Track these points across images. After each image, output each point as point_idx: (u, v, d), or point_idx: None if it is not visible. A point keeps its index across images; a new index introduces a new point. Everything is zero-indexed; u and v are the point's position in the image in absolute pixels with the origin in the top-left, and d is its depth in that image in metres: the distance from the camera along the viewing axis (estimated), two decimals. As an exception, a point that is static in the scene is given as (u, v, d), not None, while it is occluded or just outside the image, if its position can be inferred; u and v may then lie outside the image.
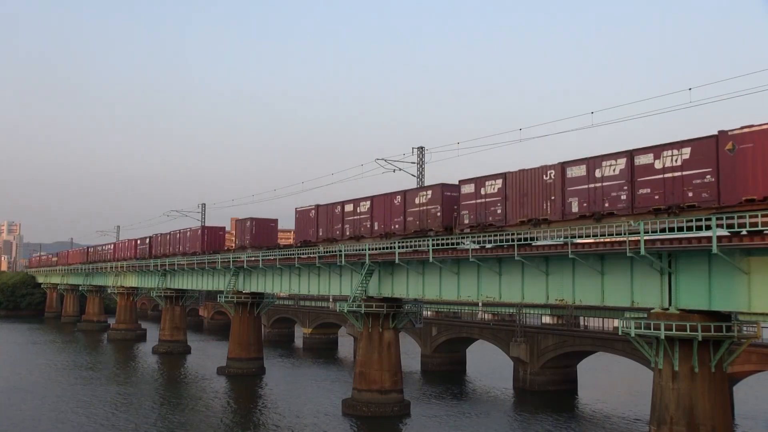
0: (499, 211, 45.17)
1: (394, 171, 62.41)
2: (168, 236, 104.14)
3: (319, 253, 60.99)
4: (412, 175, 61.12)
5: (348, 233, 59.86)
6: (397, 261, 51.53)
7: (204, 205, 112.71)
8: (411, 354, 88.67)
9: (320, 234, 63.74)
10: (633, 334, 36.36)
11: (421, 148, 61.35)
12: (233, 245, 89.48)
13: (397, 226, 54.31)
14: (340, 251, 57.66)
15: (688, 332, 33.96)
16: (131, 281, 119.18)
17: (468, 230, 47.00)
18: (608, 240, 37.80)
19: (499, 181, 45.41)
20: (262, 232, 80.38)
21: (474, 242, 45.71)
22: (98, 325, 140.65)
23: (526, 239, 42.15)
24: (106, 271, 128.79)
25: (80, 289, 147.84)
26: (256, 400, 64.30)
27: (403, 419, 54.98)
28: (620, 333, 38.34)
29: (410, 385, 68.37)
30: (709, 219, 32.20)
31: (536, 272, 42.90)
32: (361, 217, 58.56)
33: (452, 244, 47.39)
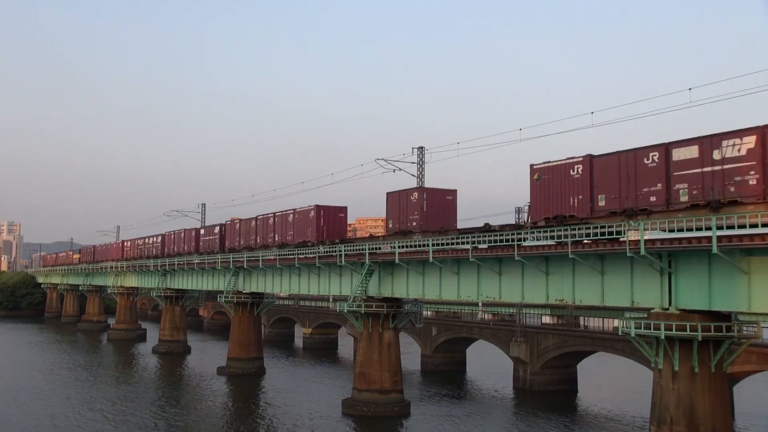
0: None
1: (394, 171, 62.38)
2: (253, 223, 77.32)
3: (319, 253, 60.96)
4: (412, 175, 61.10)
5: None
6: (397, 261, 51.52)
7: (204, 205, 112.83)
8: (411, 354, 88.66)
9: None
10: (633, 334, 36.36)
11: (421, 148, 61.33)
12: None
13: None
14: (340, 251, 57.59)
15: (688, 332, 33.96)
16: (131, 281, 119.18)
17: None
18: (608, 240, 37.74)
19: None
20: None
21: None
22: (98, 325, 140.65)
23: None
24: (106, 271, 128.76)
25: (80, 289, 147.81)
26: (256, 400, 64.31)
27: (403, 419, 54.98)
28: (620, 333, 38.33)
29: (410, 385, 68.38)
30: (709, 219, 32.19)
31: (536, 272, 42.90)
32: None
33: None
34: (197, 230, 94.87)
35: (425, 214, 53.52)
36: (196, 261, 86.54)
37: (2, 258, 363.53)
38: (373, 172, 64.26)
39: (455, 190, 55.76)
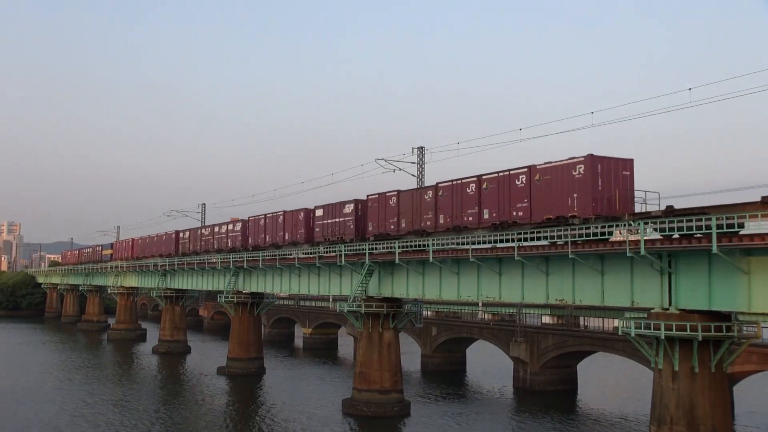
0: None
1: (394, 171, 62.49)
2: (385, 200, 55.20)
3: (319, 253, 60.97)
4: (412, 175, 61.18)
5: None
6: (397, 261, 51.52)
7: (204, 205, 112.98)
8: (411, 354, 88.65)
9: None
10: (633, 334, 36.36)
11: (421, 148, 61.38)
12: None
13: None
14: (340, 251, 57.56)
15: (688, 332, 33.96)
16: (131, 281, 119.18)
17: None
18: (608, 240, 37.76)
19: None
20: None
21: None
22: (98, 325, 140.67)
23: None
24: (106, 271, 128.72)
25: (80, 289, 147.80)
26: (256, 400, 64.31)
27: (403, 419, 54.98)
28: (620, 333, 38.33)
29: (410, 385, 68.39)
30: (709, 219, 32.20)
31: (536, 272, 42.89)
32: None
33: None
34: (308, 212, 66.13)
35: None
36: (196, 261, 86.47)
37: (2, 258, 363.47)
38: (373, 172, 64.36)
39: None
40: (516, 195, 42.99)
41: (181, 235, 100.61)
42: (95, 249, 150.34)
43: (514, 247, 41.94)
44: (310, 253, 62.23)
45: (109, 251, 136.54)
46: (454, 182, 48.08)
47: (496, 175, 44.66)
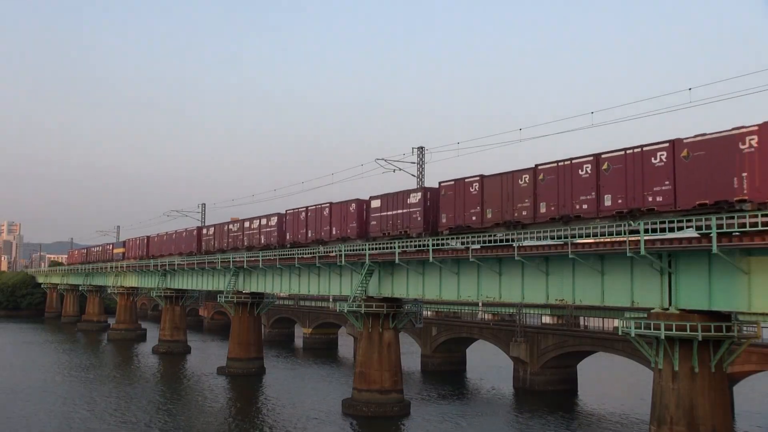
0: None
1: (394, 171, 62.40)
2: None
3: (318, 252, 60.96)
4: (412, 175, 61.10)
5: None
6: (397, 261, 51.51)
7: (204, 205, 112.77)
8: (411, 354, 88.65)
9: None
10: (633, 334, 36.36)
11: (421, 148, 61.33)
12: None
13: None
14: (340, 251, 57.51)
15: (688, 332, 33.96)
16: (131, 281, 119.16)
17: None
18: (608, 240, 37.73)
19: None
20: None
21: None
22: (98, 325, 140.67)
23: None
24: (106, 271, 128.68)
25: (80, 289, 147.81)
26: (256, 400, 64.30)
27: (403, 419, 54.97)
28: (620, 333, 38.33)
29: (410, 385, 68.37)
30: (709, 219, 32.17)
31: (536, 272, 42.89)
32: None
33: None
34: (362, 203, 59.21)
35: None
36: (196, 261, 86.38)
37: (2, 258, 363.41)
38: (373, 172, 64.27)
39: None
40: (652, 176, 35.82)
41: (204, 231, 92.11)
42: (105, 248, 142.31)
43: (513, 247, 41.96)
44: (312, 253, 62.00)
45: (121, 249, 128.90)
46: (561, 163, 40.83)
47: (622, 152, 37.74)
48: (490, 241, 43.86)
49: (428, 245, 48.20)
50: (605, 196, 38.21)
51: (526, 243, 41.64)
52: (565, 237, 38.90)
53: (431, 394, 67.13)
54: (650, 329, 35.34)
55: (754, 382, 62.70)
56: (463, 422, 54.43)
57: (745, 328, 35.43)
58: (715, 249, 31.84)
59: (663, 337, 34.64)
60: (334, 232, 61.66)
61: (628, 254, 35.50)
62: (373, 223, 56.52)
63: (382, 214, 55.61)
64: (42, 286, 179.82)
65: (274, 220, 72.80)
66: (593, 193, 38.75)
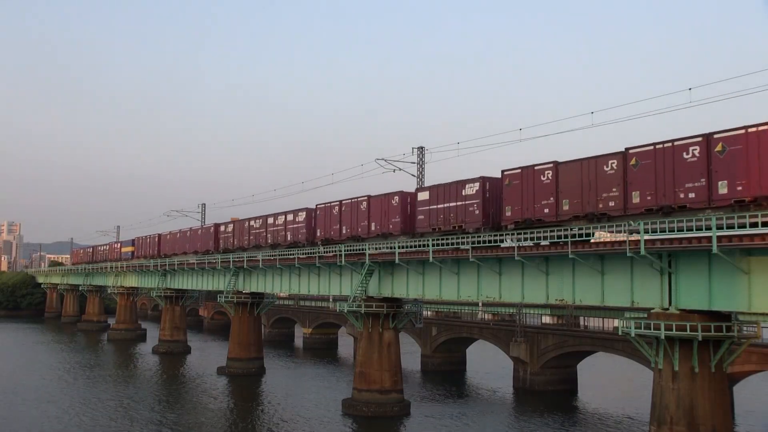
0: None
1: (394, 171, 62.48)
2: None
3: (319, 252, 60.96)
4: (412, 175, 61.15)
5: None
6: (397, 261, 51.49)
7: (204, 205, 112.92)
8: (411, 354, 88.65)
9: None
10: (633, 334, 36.36)
11: (421, 148, 61.37)
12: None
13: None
14: (340, 251, 57.55)
15: (688, 332, 33.96)
16: (131, 281, 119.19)
17: None
18: (608, 240, 37.72)
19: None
20: None
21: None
22: (98, 325, 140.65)
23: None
24: (106, 271, 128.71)
25: (80, 289, 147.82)
26: (256, 400, 64.30)
27: (403, 419, 54.97)
28: (620, 333, 38.32)
29: (410, 385, 68.36)
30: (709, 219, 32.16)
31: (536, 272, 42.88)
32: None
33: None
34: (406, 196, 55.02)
35: None
36: (196, 261, 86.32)
37: (2, 258, 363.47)
38: (373, 172, 64.30)
39: None
40: None
41: (222, 228, 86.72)
42: (113, 246, 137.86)
43: (513, 247, 41.95)
44: (310, 254, 62.08)
45: (130, 248, 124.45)
46: (660, 146, 35.81)
47: (743, 131, 32.35)
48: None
49: (428, 245, 48.15)
50: (719, 183, 33.26)
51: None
52: (566, 237, 38.93)
53: (431, 394, 67.14)
54: (650, 329, 35.33)
55: (754, 382, 62.70)
56: (463, 422, 54.42)
57: (745, 328, 35.43)
58: (715, 249, 31.83)
59: (663, 337, 34.63)
60: (372, 228, 57.16)
61: (628, 254, 35.49)
62: (420, 217, 51.83)
63: (432, 207, 50.64)
64: (42, 286, 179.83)
65: (302, 216, 68.06)
66: (703, 179, 33.89)
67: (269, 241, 73.58)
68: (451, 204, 48.92)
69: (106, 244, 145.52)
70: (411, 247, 50.84)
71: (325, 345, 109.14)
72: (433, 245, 47.79)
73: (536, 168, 42.68)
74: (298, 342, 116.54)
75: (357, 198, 59.57)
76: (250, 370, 77.79)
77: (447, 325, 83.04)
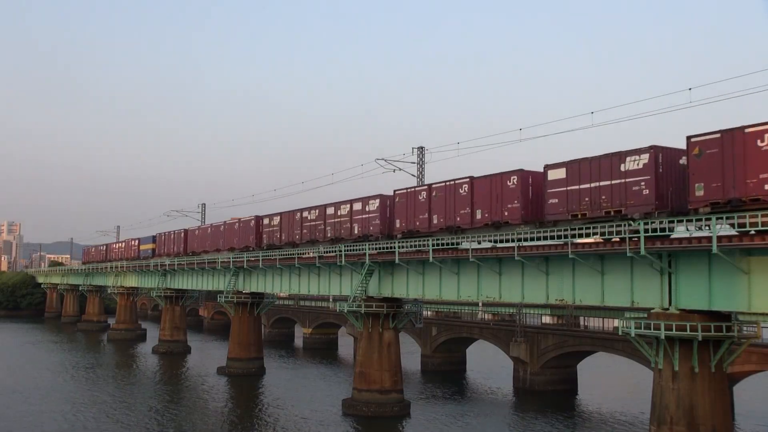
0: None
1: (394, 171, 62.48)
2: None
3: (319, 252, 60.92)
4: (412, 175, 61.14)
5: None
6: (397, 261, 51.49)
7: (204, 205, 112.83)
8: (411, 354, 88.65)
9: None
10: (633, 334, 36.35)
11: (421, 148, 61.37)
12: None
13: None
14: (340, 251, 57.53)
15: (688, 332, 33.95)
16: (131, 281, 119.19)
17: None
18: (608, 240, 37.71)
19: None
20: None
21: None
22: (98, 325, 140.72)
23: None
24: (106, 271, 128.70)
25: (80, 289, 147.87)
26: (256, 400, 64.30)
27: (403, 419, 54.97)
28: (620, 333, 38.32)
29: (410, 385, 68.37)
30: (709, 219, 32.14)
31: (536, 272, 42.88)
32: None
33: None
34: (527, 176, 44.00)
35: None
36: (196, 261, 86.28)
37: (2, 258, 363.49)
38: (373, 172, 64.28)
39: None
40: None
41: (266, 222, 74.97)
42: (130, 244, 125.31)
43: (513, 247, 41.92)
44: (328, 252, 59.75)
45: (150, 245, 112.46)
46: (738, 131, 31.11)
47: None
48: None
49: (428, 245, 48.11)
50: None
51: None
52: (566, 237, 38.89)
53: (431, 394, 67.13)
54: (650, 329, 35.33)
55: (754, 382, 62.68)
56: (463, 422, 54.43)
57: (745, 328, 35.42)
58: (715, 249, 31.83)
59: (663, 337, 34.63)
60: (478, 216, 46.39)
61: (628, 254, 35.50)
62: (553, 201, 41.06)
63: (570, 188, 40.13)
64: (42, 286, 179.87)
65: (374, 204, 57.05)
66: None
67: (329, 235, 62.56)
68: (602, 183, 38.30)
69: (122, 241, 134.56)
70: (412, 247, 50.81)
71: (325, 345, 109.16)
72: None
73: (743, 131, 32.33)
74: (298, 342, 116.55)
75: (455, 180, 48.60)
76: (250, 370, 77.80)
77: (447, 325, 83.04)
